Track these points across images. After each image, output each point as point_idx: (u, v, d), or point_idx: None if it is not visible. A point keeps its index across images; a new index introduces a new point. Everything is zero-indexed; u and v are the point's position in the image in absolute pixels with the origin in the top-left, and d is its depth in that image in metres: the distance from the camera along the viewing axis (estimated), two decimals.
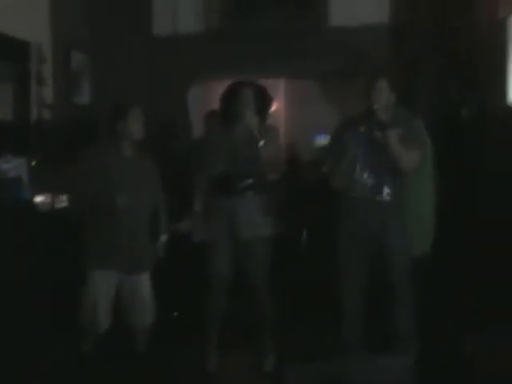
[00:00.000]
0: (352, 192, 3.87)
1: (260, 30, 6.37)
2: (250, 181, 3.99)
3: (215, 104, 6.95)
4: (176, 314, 5.00)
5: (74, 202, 4.01)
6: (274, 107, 7.79)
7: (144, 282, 4.00)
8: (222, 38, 6.45)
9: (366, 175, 3.84)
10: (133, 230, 3.86)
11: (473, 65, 4.87)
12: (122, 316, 4.00)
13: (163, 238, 4.10)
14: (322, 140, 8.00)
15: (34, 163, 4.40)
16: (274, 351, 4.22)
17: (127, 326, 4.03)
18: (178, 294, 4.87)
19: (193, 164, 4.22)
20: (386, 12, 6.29)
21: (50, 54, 5.03)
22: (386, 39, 6.21)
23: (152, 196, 3.99)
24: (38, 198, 4.19)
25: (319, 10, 6.43)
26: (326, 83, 7.37)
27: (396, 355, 2.92)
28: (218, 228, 4.03)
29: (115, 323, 3.98)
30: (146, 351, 4.10)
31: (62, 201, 4.26)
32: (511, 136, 4.22)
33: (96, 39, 5.58)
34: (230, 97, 4.05)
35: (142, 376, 3.92)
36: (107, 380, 3.85)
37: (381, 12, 6.30)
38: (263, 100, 4.11)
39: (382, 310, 3.91)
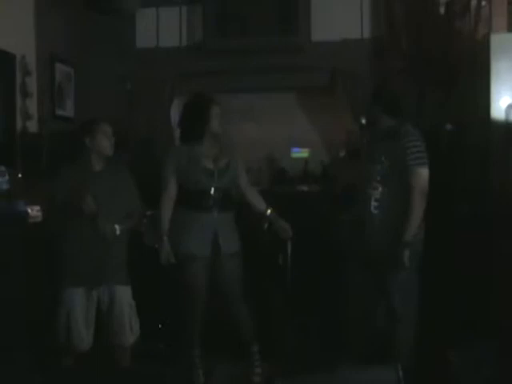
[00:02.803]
0: (353, 206, 3.97)
1: (241, 45, 6.43)
2: (219, 197, 4.02)
3: None
4: (160, 326, 5.01)
5: (51, 218, 4.02)
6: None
7: (122, 298, 3.93)
8: (205, 53, 6.50)
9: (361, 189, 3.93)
10: (105, 244, 3.83)
11: (455, 80, 4.96)
12: (104, 333, 3.94)
13: None
14: (299, 153, 8.08)
15: (20, 176, 4.38)
16: (262, 364, 4.25)
17: (109, 343, 3.98)
18: (160, 306, 4.89)
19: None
20: (367, 28, 6.40)
21: (35, 67, 5.01)
22: (367, 54, 6.30)
23: (126, 209, 3.95)
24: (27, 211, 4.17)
25: (301, 25, 6.50)
26: (307, 97, 7.44)
27: (386, 367, 2.95)
28: (192, 242, 4.03)
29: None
30: (129, 368, 4.05)
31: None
32: (493, 150, 4.29)
33: (80, 52, 5.58)
34: (200, 112, 4.03)
35: None
36: None
37: (361, 28, 6.40)
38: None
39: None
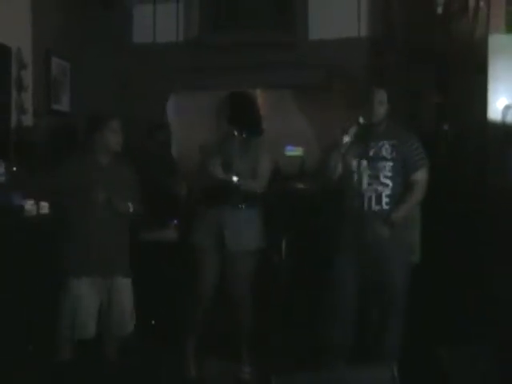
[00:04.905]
0: (351, 202, 3.89)
1: (238, 41, 6.43)
2: (242, 193, 4.02)
3: (193, 113, 7.00)
4: (153, 322, 5.00)
5: (53, 209, 4.11)
6: None
7: (122, 289, 3.98)
8: (201, 48, 6.49)
9: (364, 185, 3.86)
10: (108, 236, 3.88)
11: (452, 80, 4.96)
12: (101, 323, 3.97)
13: None
14: (293, 151, 8.09)
15: (14, 169, 4.37)
16: (251, 360, 4.27)
17: (104, 333, 4.00)
18: (157, 302, 4.89)
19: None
20: (363, 26, 6.40)
21: (31, 60, 4.99)
22: (363, 53, 6.31)
23: (129, 203, 3.98)
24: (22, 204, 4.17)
25: (298, 22, 6.50)
26: (302, 94, 7.44)
27: (381, 366, 2.95)
28: (207, 237, 4.07)
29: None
30: (115, 360, 4.07)
31: (45, 207, 4.25)
32: (490, 150, 4.30)
33: (76, 46, 5.56)
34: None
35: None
36: None
37: (358, 26, 6.41)
38: (236, 108, 4.15)
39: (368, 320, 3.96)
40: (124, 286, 3.99)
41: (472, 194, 4.41)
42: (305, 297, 4.89)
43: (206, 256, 4.09)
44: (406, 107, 5.59)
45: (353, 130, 3.78)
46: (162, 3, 6.63)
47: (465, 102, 4.71)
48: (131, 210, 3.93)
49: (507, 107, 4.24)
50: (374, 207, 3.84)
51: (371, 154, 3.85)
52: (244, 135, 4.11)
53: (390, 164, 3.83)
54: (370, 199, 3.85)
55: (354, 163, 3.86)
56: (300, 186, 6.19)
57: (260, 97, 8.06)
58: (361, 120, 3.77)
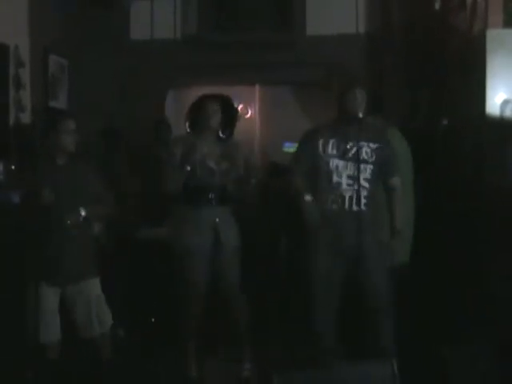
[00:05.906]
0: (328, 202, 3.84)
1: (237, 38, 6.43)
2: (215, 193, 4.08)
3: None
4: (153, 320, 5.01)
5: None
6: (247, 114, 7.89)
7: (89, 292, 3.86)
8: (199, 45, 6.50)
9: (343, 185, 3.83)
10: (69, 239, 3.78)
11: (450, 76, 4.96)
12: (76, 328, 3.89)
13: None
14: (291, 147, 8.11)
15: (13, 167, 4.36)
16: (251, 358, 4.27)
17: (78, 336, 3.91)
18: (155, 300, 4.89)
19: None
20: (361, 22, 6.41)
21: (28, 58, 4.98)
22: (362, 49, 6.31)
23: (91, 200, 3.87)
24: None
25: (296, 19, 6.50)
26: (301, 91, 7.44)
27: (381, 363, 2.95)
28: (193, 236, 4.07)
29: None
30: (110, 359, 3.99)
31: None
32: (488, 145, 4.30)
33: (74, 44, 5.55)
34: (196, 109, 4.20)
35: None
36: None
37: (356, 22, 6.41)
38: (229, 112, 4.23)
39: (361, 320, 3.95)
40: (89, 287, 3.87)
41: (470, 192, 4.41)
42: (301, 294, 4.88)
43: (199, 255, 4.08)
44: (403, 103, 5.60)
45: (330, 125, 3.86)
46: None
47: (463, 97, 4.71)
48: (82, 213, 3.77)
49: (505, 102, 4.25)
50: (354, 207, 3.83)
51: (351, 154, 3.82)
52: (224, 136, 4.22)
53: (371, 167, 3.82)
54: (350, 199, 3.82)
55: (334, 161, 3.83)
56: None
57: (259, 94, 8.10)
58: (341, 115, 3.82)
